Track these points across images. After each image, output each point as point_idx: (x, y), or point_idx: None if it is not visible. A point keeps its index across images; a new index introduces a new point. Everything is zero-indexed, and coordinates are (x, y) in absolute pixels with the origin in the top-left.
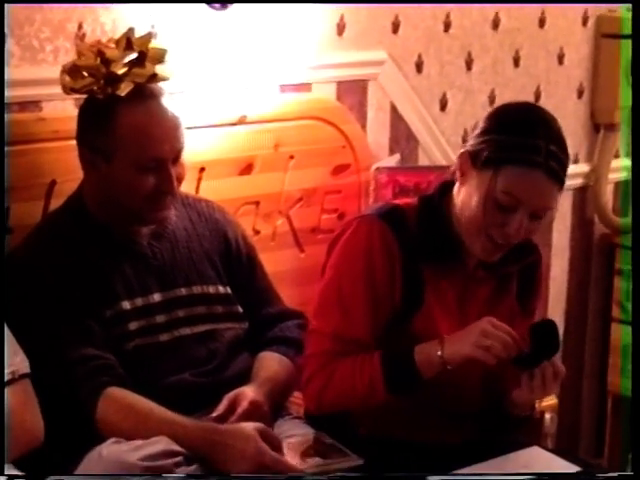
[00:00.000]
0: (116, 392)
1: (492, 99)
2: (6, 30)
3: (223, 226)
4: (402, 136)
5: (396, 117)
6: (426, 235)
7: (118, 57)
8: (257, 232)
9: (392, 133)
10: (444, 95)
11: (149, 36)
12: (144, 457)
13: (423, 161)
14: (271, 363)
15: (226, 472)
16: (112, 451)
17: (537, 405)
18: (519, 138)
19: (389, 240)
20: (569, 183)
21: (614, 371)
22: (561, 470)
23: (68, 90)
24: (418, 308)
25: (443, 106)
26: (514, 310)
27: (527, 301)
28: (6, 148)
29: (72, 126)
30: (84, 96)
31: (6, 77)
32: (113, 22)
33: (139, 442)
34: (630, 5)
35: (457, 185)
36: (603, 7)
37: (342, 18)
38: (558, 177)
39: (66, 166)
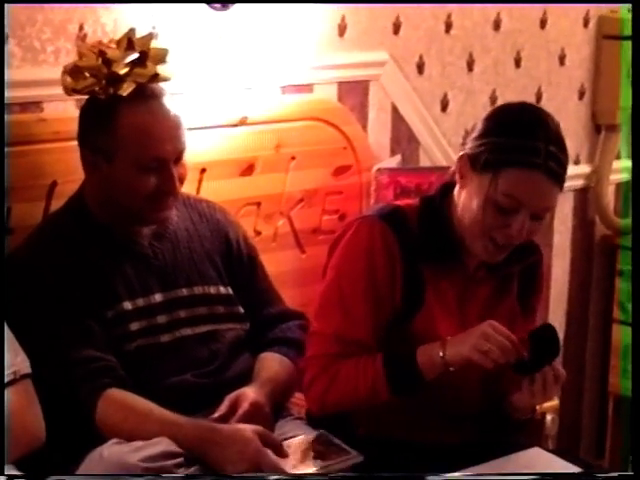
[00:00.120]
0: (115, 393)
1: (493, 100)
2: (7, 30)
3: (224, 227)
4: (403, 137)
5: (397, 118)
6: (427, 236)
7: (119, 57)
8: (258, 233)
9: (393, 134)
10: (445, 96)
11: (150, 36)
12: (145, 458)
13: (424, 162)
14: (272, 364)
15: (222, 472)
16: (113, 452)
17: (537, 408)
18: (518, 140)
19: (390, 241)
20: (570, 184)
21: (615, 372)
22: (562, 470)
23: (69, 91)
24: (418, 309)
25: (444, 107)
26: (515, 311)
27: (528, 301)
28: (7, 149)
29: (73, 127)
30: (85, 97)
31: (8, 78)
32: (114, 23)
33: (140, 443)
34: (630, 6)
35: (457, 187)
36: (604, 8)
37: (343, 19)
38: (558, 177)
39: (67, 167)
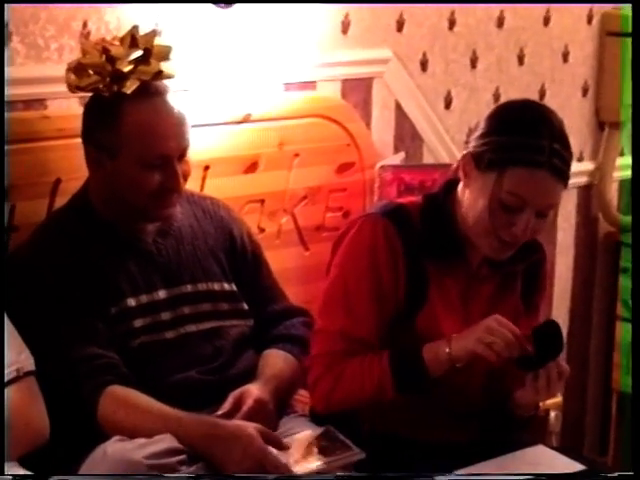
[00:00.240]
0: (118, 390)
1: (497, 97)
2: (10, 28)
3: (228, 223)
4: (407, 134)
5: (401, 115)
6: (430, 233)
7: (123, 55)
8: (262, 230)
9: (397, 131)
10: (449, 93)
11: (154, 33)
12: (148, 455)
13: (428, 159)
14: (276, 361)
15: (225, 469)
16: (116, 449)
17: (541, 405)
18: (522, 138)
19: (393, 238)
20: (574, 181)
21: (618, 369)
22: (566, 468)
23: (73, 88)
24: (422, 306)
25: (448, 104)
26: (518, 308)
27: (531, 299)
28: (11, 146)
29: (77, 124)
30: (89, 94)
31: (12, 75)
32: (118, 20)
33: (143, 440)
34: (628, 4)
35: (461, 185)
36: (608, 5)
37: (347, 16)
38: (562, 175)
39: (71, 164)
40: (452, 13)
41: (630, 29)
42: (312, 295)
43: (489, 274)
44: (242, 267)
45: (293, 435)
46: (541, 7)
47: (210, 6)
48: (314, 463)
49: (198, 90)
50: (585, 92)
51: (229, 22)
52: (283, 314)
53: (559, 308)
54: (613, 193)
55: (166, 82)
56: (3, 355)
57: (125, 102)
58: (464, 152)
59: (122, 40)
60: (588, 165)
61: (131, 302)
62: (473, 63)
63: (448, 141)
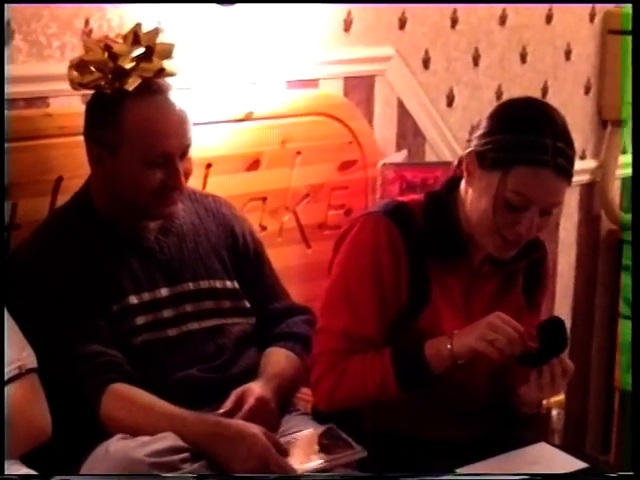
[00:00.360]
0: (120, 388)
1: (499, 95)
2: (13, 26)
3: (230, 221)
4: (409, 132)
5: (403, 113)
6: (433, 231)
7: (126, 52)
8: (264, 228)
9: (399, 129)
10: (451, 91)
11: (156, 31)
12: (151, 453)
13: (430, 157)
14: (278, 359)
15: (229, 467)
16: (119, 447)
17: (544, 403)
18: (526, 137)
19: (395, 237)
20: (576, 179)
21: (621, 367)
22: (568, 466)
23: (76, 85)
24: (424, 305)
25: (450, 102)
26: (520, 306)
27: (533, 296)
28: (13, 144)
29: (79, 122)
30: (91, 92)
31: (14, 73)
32: (120, 18)
33: (146, 438)
34: (628, 4)
35: (464, 184)
36: (610, 4)
37: (349, 14)
38: (566, 173)
39: (73, 162)
40: (454, 11)
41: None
42: (314, 293)
43: (491, 272)
44: (244, 265)
45: (295, 434)
46: (543, 5)
47: (213, 4)
48: (316, 461)
49: (200, 88)
50: (587, 90)
51: (231, 20)
52: (285, 312)
53: (561, 306)
54: (615, 191)
55: (168, 80)
56: (3, 355)
57: (127, 99)
58: (467, 150)
59: (125, 37)
60: (590, 163)
61: (133, 300)
62: (475, 61)
63: (450, 139)
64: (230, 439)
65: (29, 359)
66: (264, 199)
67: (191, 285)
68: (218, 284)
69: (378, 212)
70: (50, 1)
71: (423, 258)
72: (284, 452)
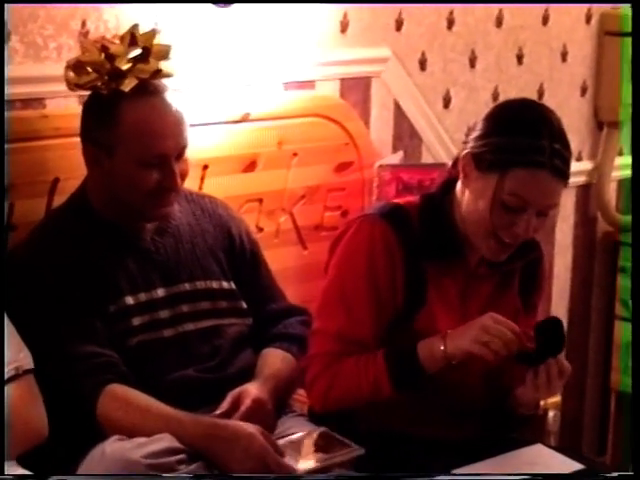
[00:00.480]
0: (117, 389)
1: (495, 96)
2: (9, 27)
3: (227, 222)
4: (405, 133)
5: (399, 114)
6: (428, 233)
7: (122, 53)
8: (260, 229)
9: (395, 130)
10: (447, 92)
11: (153, 32)
12: (147, 454)
13: (426, 158)
14: (275, 360)
15: (227, 468)
16: (115, 449)
17: (542, 404)
18: (523, 140)
19: (391, 240)
20: (572, 181)
21: (617, 368)
22: (564, 467)
23: (72, 86)
24: (420, 307)
25: (446, 103)
26: (516, 306)
27: (529, 297)
28: (9, 145)
29: (75, 123)
30: (88, 93)
31: (11, 74)
32: (117, 19)
33: (142, 439)
34: (628, 4)
35: (460, 185)
36: (606, 5)
37: (345, 15)
38: (563, 174)
39: (69, 163)
40: (451, 12)
41: (629, 29)
42: (311, 294)
43: (487, 273)
44: (241, 266)
45: (291, 435)
46: (540, 7)
47: (209, 5)
48: (313, 461)
49: (197, 89)
50: (584, 92)
51: (228, 21)
52: (282, 313)
53: (558, 307)
54: (612, 193)
55: (165, 81)
56: (3, 355)
57: (123, 100)
58: (463, 152)
59: (122, 38)
60: (587, 165)
61: (129, 300)
62: (472, 62)
63: (447, 140)
64: (227, 440)
65: (26, 360)
66: (260, 200)
67: (187, 286)
68: (215, 284)
69: (374, 214)
70: (50, 1)
71: (419, 260)
72: (281, 452)
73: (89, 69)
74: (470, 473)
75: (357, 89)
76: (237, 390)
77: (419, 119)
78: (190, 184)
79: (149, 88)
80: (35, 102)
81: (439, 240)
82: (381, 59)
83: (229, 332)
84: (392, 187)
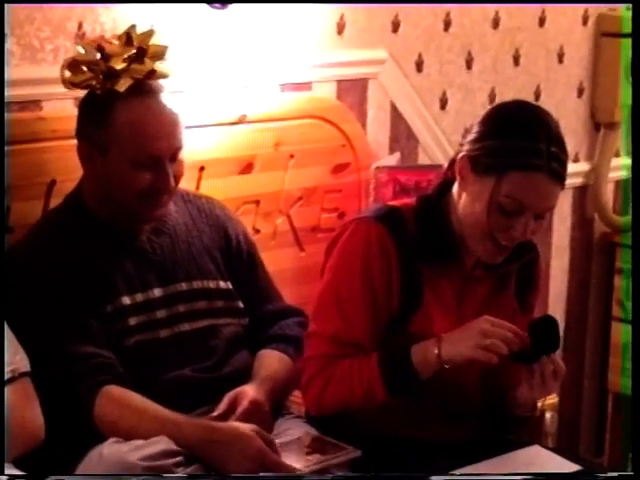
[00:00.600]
0: (114, 390)
1: (492, 98)
2: (6, 29)
3: (223, 222)
4: (402, 135)
5: (396, 116)
6: (424, 235)
7: (117, 52)
8: (257, 231)
9: (392, 132)
10: (444, 94)
11: (150, 33)
12: (144, 457)
13: (423, 160)
14: (271, 361)
15: (224, 471)
16: (112, 451)
17: (539, 404)
18: (520, 143)
19: (386, 243)
20: (569, 182)
21: (614, 370)
22: (561, 468)
23: (68, 84)
24: (417, 309)
25: (443, 105)
26: (513, 307)
27: (526, 298)
28: (6, 147)
29: (72, 125)
30: (84, 93)
31: (7, 76)
32: (113, 21)
33: (139, 442)
34: (629, 4)
35: (456, 187)
36: (603, 6)
37: (342, 17)
38: (560, 177)
39: (66, 165)
40: (447, 14)
41: (625, 30)
42: (307, 296)
43: (484, 275)
44: (237, 266)
45: (287, 438)
46: (536, 8)
47: (205, 7)
48: (310, 463)
49: (194, 91)
50: (580, 93)
51: (224, 23)
52: (278, 314)
53: (554, 309)
54: (609, 194)
55: (162, 82)
56: (3, 356)
57: (118, 100)
58: (460, 155)
59: (119, 38)
60: (584, 166)
61: (126, 300)
62: (468, 64)
63: (443, 142)
64: (224, 443)
65: (22, 363)
66: (257, 202)
67: (184, 285)
68: (211, 284)
69: (369, 217)
70: (51, 1)
71: (415, 262)
72: (275, 450)
73: (84, 68)
74: (467, 474)
75: (354, 91)
76: (234, 392)
77: (416, 120)
78: (187, 186)
79: (144, 88)
80: (32, 104)
81: (435, 242)
82: (378, 61)
83: (225, 332)
84: (389, 189)
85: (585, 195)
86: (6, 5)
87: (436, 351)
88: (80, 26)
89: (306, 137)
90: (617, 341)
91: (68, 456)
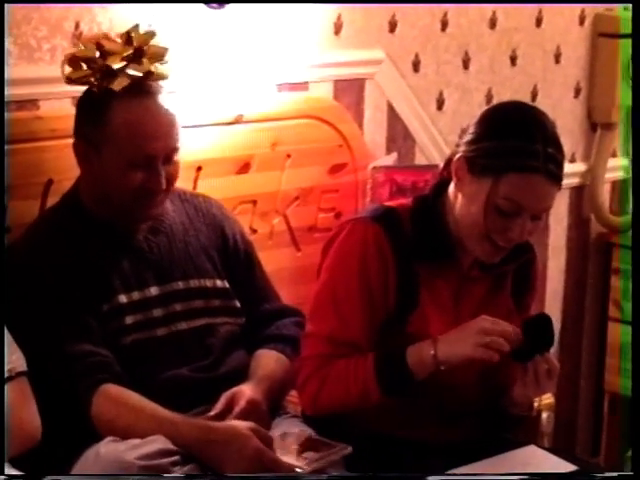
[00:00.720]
0: (111, 389)
1: (489, 98)
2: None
3: (220, 221)
4: (399, 135)
5: (393, 116)
6: (421, 236)
7: (116, 51)
8: (254, 231)
9: (389, 132)
10: (441, 94)
11: (151, 34)
12: (141, 456)
13: (420, 160)
14: (268, 361)
15: (221, 470)
16: (109, 450)
17: (536, 404)
18: (517, 144)
19: (383, 243)
20: (566, 182)
21: (611, 370)
22: (558, 468)
23: (66, 79)
24: (413, 309)
25: (440, 105)
26: (509, 308)
27: (522, 299)
28: (4, 147)
29: (69, 125)
30: (82, 91)
31: (4, 76)
32: (110, 21)
33: (136, 441)
34: (628, 4)
35: (453, 188)
36: (600, 6)
37: (339, 17)
38: (557, 178)
39: (63, 165)
40: (445, 14)
41: (623, 30)
42: (304, 295)
43: (480, 275)
44: (234, 265)
45: (282, 438)
46: (533, 8)
47: (202, 7)
48: (304, 461)
49: (190, 91)
50: (577, 93)
51: (221, 23)
52: (275, 314)
53: (551, 309)
54: (605, 194)
55: (160, 82)
56: (3, 356)
57: (114, 100)
58: (456, 156)
59: (121, 37)
60: (580, 166)
61: (123, 299)
62: (465, 64)
63: (440, 142)
64: (221, 442)
65: (18, 362)
66: (254, 202)
67: (181, 284)
68: (208, 283)
69: (366, 217)
70: (50, 1)
71: (411, 262)
72: (272, 448)
73: (83, 64)
74: (463, 474)
75: (351, 91)
76: (231, 391)
77: (413, 121)
78: (184, 185)
79: (141, 89)
80: (29, 104)
81: (432, 242)
82: (375, 61)
83: (222, 331)
84: (386, 189)
85: (582, 195)
86: (6, 5)
87: (432, 352)
88: (77, 26)
89: (303, 137)
90: (613, 341)
91: (65, 454)
